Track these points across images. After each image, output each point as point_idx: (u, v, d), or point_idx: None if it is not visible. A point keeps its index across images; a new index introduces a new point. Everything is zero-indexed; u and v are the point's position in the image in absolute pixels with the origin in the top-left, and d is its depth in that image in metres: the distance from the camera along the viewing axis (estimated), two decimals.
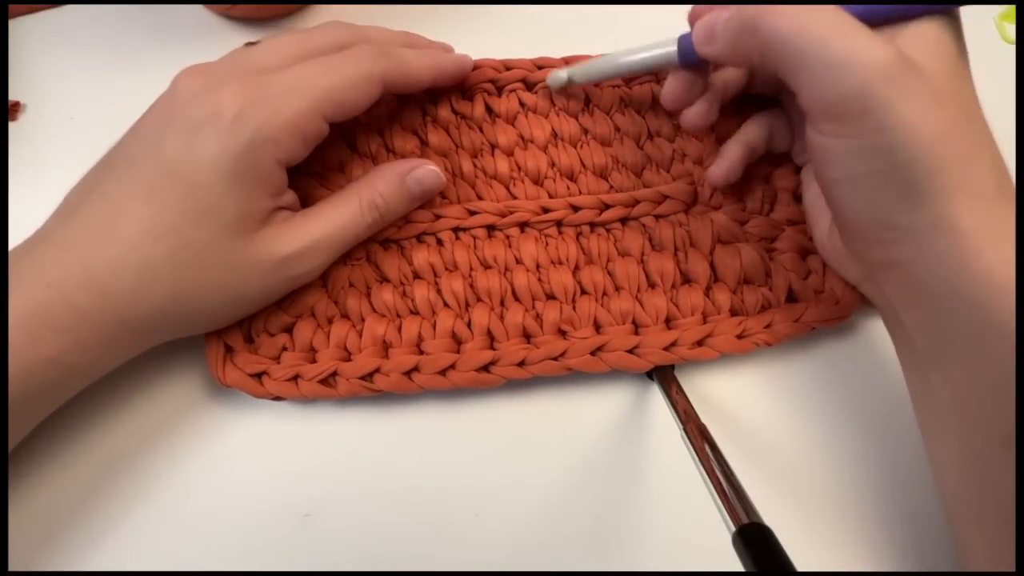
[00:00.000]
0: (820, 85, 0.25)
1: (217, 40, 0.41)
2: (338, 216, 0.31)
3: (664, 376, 0.32)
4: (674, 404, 0.30)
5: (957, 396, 0.27)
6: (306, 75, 0.30)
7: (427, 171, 0.33)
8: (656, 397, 0.33)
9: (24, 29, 0.41)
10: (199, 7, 0.42)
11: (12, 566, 0.30)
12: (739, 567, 0.23)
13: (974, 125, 0.26)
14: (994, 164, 0.26)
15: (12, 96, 0.39)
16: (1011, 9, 0.42)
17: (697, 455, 0.27)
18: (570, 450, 0.33)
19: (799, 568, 0.22)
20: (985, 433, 0.26)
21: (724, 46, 0.29)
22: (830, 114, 0.26)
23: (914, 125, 0.24)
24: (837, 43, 0.25)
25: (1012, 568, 0.24)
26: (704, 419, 0.29)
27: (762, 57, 0.27)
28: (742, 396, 0.34)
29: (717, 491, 0.25)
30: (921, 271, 0.26)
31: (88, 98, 0.39)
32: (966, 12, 0.27)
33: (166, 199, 0.28)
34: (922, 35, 0.26)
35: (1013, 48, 0.42)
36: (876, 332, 0.35)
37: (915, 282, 0.27)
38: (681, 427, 0.29)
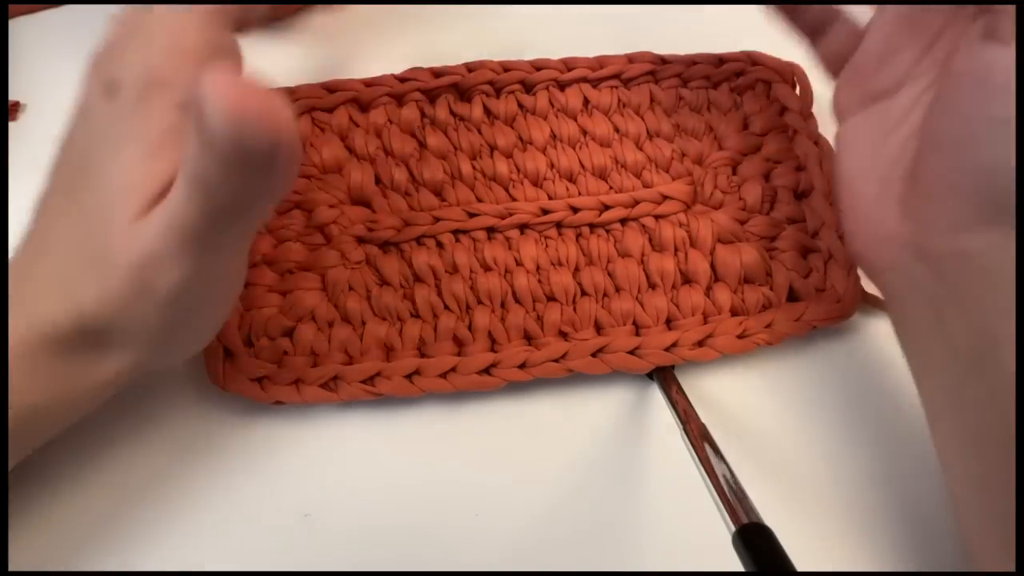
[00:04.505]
0: None
1: None
2: (166, 204, 0.22)
3: (664, 376, 0.32)
4: (674, 404, 0.30)
5: (997, 404, 0.25)
6: (172, 12, 0.24)
7: (212, 85, 0.19)
8: (656, 397, 0.33)
9: (24, 29, 0.41)
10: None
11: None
12: (739, 567, 0.22)
13: None
14: None
15: (12, 96, 0.39)
16: None
17: (697, 455, 0.27)
18: (569, 450, 0.33)
19: (799, 568, 0.22)
20: None
21: None
22: None
23: None
24: None
25: None
26: (704, 419, 0.29)
27: None
28: (742, 396, 0.34)
29: (717, 491, 0.25)
30: (1008, 258, 0.24)
31: None
32: None
33: (78, 197, 0.24)
34: None
35: None
36: (878, 331, 0.35)
37: (992, 274, 0.25)
38: (681, 427, 0.29)
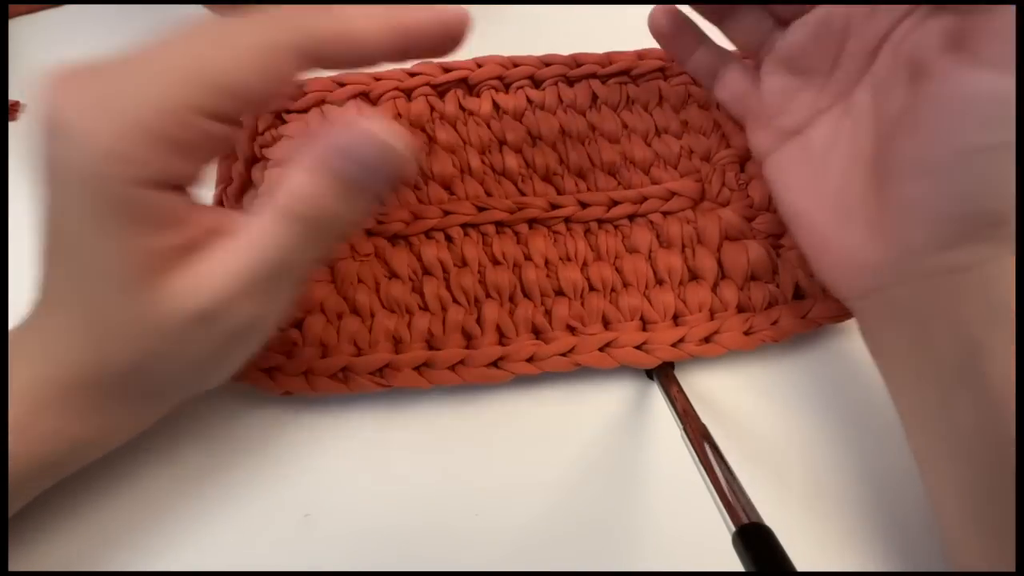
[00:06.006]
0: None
1: None
2: (251, 244, 0.22)
3: (664, 376, 0.32)
4: (674, 404, 0.30)
5: (988, 413, 0.24)
6: (168, 54, 0.21)
7: (362, 136, 0.22)
8: (656, 397, 0.33)
9: (24, 29, 0.41)
10: (199, 7, 0.41)
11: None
12: (739, 567, 0.22)
13: None
14: None
15: (12, 96, 0.39)
16: None
17: (697, 455, 0.27)
18: (569, 450, 0.32)
19: (799, 568, 0.22)
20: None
21: None
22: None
23: None
24: None
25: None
26: (704, 419, 0.29)
27: None
28: (743, 395, 0.34)
29: (717, 491, 0.25)
30: (997, 274, 0.24)
31: None
32: None
33: (52, 261, 0.24)
34: None
35: None
36: None
37: (980, 285, 0.24)
38: (681, 427, 0.29)
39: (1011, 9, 0.22)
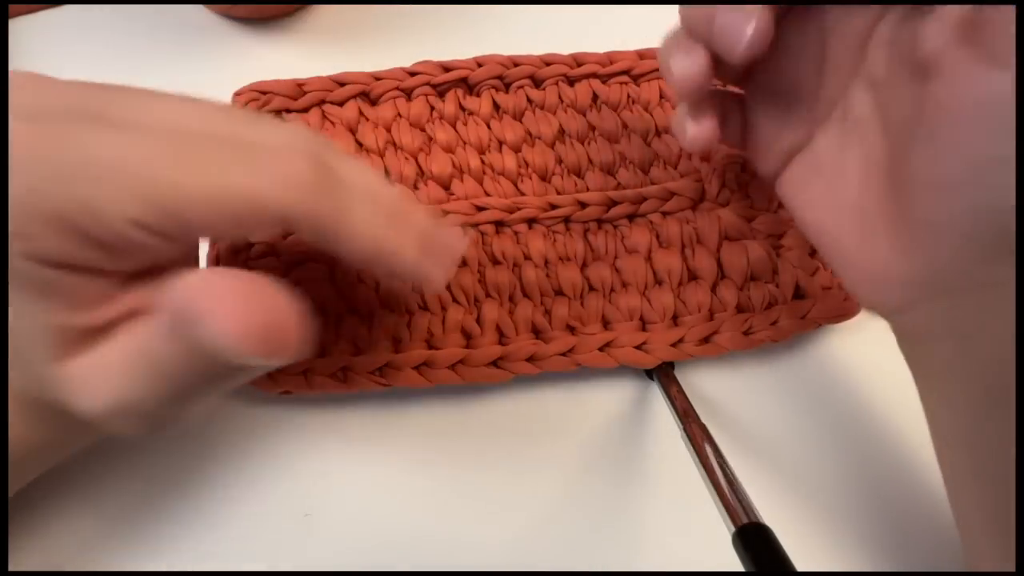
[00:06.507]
0: None
1: (217, 40, 0.41)
2: (136, 342, 0.20)
3: (664, 375, 0.32)
4: (674, 404, 0.30)
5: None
6: (144, 148, 0.19)
7: (207, 294, 0.17)
8: (656, 397, 0.33)
9: (24, 29, 0.41)
10: (199, 7, 0.42)
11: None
12: (739, 567, 0.22)
13: None
14: None
15: None
16: None
17: (697, 455, 0.27)
18: (569, 450, 0.33)
19: (799, 568, 0.22)
20: None
21: None
22: None
23: None
24: None
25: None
26: (704, 418, 0.29)
27: None
28: (743, 395, 0.34)
29: (717, 491, 0.25)
30: None
31: None
32: None
33: None
34: None
35: None
36: (883, 330, 0.35)
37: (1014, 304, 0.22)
38: (681, 427, 0.29)
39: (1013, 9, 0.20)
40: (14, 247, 0.18)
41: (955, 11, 0.22)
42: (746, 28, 0.23)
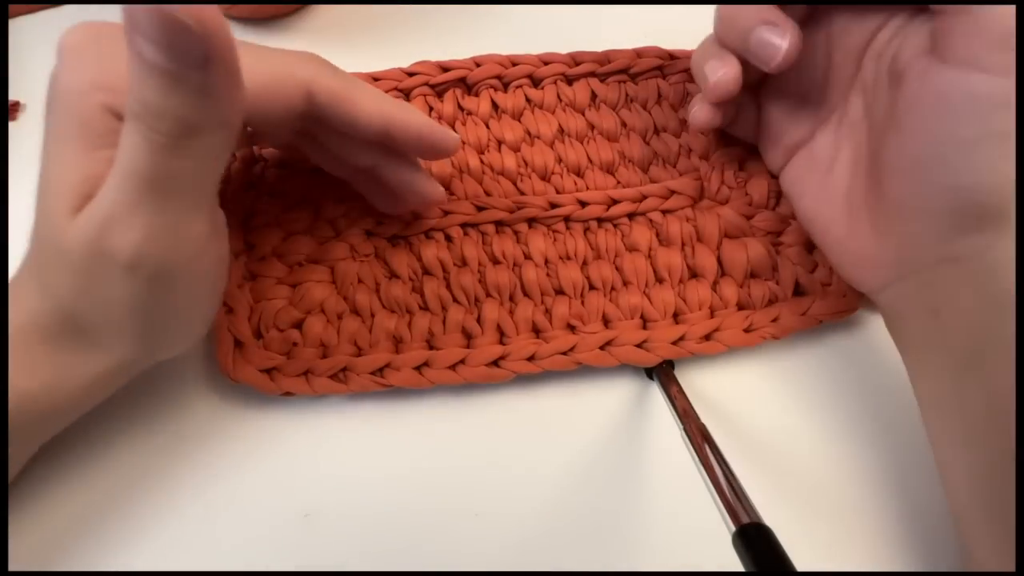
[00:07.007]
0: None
1: None
2: (117, 159, 0.22)
3: (664, 375, 0.32)
4: (674, 403, 0.30)
5: (996, 399, 0.25)
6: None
7: (148, 14, 0.18)
8: (656, 396, 0.33)
9: (24, 29, 0.41)
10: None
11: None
12: (739, 567, 0.22)
13: None
14: None
15: (12, 96, 0.39)
16: None
17: (697, 454, 0.27)
18: (569, 449, 0.32)
19: (799, 568, 0.22)
20: None
21: None
22: (1006, 41, 0.24)
23: None
24: None
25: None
26: (704, 418, 0.29)
27: None
28: (743, 394, 0.34)
29: (717, 491, 0.25)
30: (999, 258, 0.25)
31: None
32: None
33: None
34: None
35: None
36: (882, 327, 0.35)
37: (982, 274, 0.26)
38: (681, 426, 0.29)
39: (978, 9, 0.24)
40: (105, 100, 0.23)
41: (925, 31, 0.27)
42: (782, 43, 0.28)
